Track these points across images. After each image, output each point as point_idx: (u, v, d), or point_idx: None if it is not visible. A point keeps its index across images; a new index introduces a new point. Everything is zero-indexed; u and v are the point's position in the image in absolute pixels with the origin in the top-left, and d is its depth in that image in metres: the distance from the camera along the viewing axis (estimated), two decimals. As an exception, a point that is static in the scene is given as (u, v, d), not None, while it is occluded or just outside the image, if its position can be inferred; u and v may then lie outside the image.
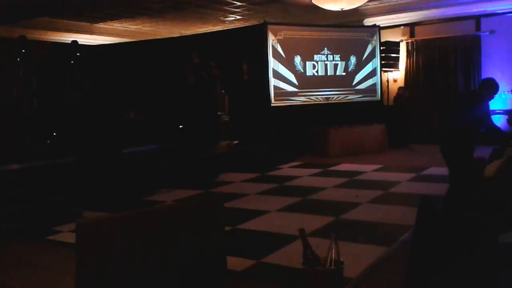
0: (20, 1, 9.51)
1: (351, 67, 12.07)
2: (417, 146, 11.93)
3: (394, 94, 12.77)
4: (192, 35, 12.97)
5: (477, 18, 11.90)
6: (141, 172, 7.89)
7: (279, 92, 11.27)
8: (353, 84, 12.13)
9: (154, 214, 2.56)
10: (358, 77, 12.15)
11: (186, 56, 11.72)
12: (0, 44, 11.37)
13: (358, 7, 10.80)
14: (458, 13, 11.77)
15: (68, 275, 4.06)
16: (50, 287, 4.01)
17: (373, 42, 12.28)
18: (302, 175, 8.72)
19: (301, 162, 10.25)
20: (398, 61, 12.81)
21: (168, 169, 8.28)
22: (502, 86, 11.56)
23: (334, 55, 11.89)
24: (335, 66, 11.93)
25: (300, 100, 11.56)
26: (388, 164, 9.57)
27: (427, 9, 11.93)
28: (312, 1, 10.16)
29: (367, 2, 10.58)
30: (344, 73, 12.01)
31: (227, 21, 13.08)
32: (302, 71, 11.59)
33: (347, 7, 10.19)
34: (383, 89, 12.75)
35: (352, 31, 12.35)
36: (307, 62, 11.62)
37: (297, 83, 11.50)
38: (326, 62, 11.85)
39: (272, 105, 11.16)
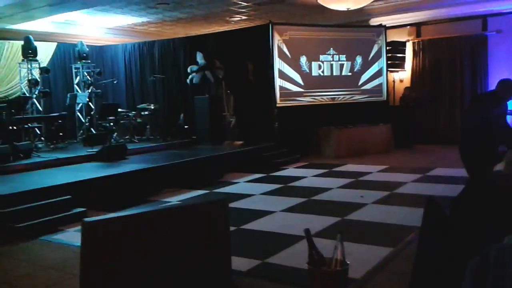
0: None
1: (357, 67, 12.03)
2: (423, 147, 11.88)
3: (400, 94, 12.73)
4: (198, 35, 12.97)
5: (483, 18, 11.84)
6: (146, 172, 7.88)
7: (285, 93, 11.26)
8: (359, 84, 12.10)
9: (159, 214, 2.56)
10: (364, 77, 12.12)
11: (192, 56, 11.75)
12: (7, 43, 11.43)
13: (364, 7, 10.76)
14: (464, 12, 11.71)
15: (73, 275, 4.07)
16: (55, 286, 4.02)
17: (379, 42, 12.25)
18: (307, 176, 8.70)
19: (306, 163, 10.23)
20: (404, 61, 12.77)
21: (173, 169, 8.27)
22: (509, 87, 11.50)
23: (340, 55, 11.86)
24: (341, 66, 11.90)
25: (305, 100, 11.54)
26: (393, 164, 9.54)
27: (433, 9, 11.87)
28: (318, 1, 10.13)
29: (373, 2, 10.54)
30: (350, 73, 11.98)
31: (232, 21, 13.08)
32: (308, 71, 11.57)
33: (353, 7, 10.16)
34: (389, 89, 12.71)
35: (358, 31, 12.32)
36: (312, 62, 11.60)
37: (302, 83, 11.48)
38: (332, 62, 11.82)
39: (277, 105, 11.14)
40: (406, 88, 12.67)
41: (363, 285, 3.65)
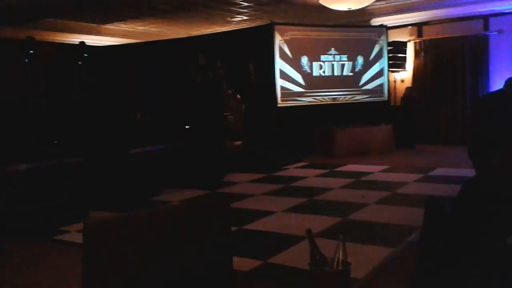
0: (27, 3, 9.56)
1: (358, 67, 12.03)
2: (425, 147, 11.86)
3: (402, 95, 12.72)
4: (199, 36, 12.98)
5: (485, 18, 11.82)
6: (147, 172, 7.90)
7: (286, 93, 11.25)
8: (360, 84, 12.10)
9: (161, 214, 2.56)
10: (365, 77, 12.12)
11: (193, 56, 11.75)
12: (8, 45, 11.44)
13: (365, 7, 10.75)
14: (466, 12, 11.71)
15: (74, 275, 4.07)
16: (57, 287, 4.02)
17: (381, 42, 12.24)
18: (309, 176, 8.70)
19: (308, 163, 10.23)
20: (406, 61, 12.76)
21: (174, 169, 8.29)
22: (511, 86, 11.48)
23: (341, 55, 11.86)
24: (342, 66, 11.90)
25: (306, 100, 11.53)
26: (395, 164, 9.53)
27: (435, 9, 11.87)
28: (319, 1, 10.13)
29: (375, 2, 10.54)
30: (351, 73, 11.98)
31: (233, 21, 13.08)
32: (309, 71, 11.57)
33: (354, 7, 10.16)
34: (390, 90, 12.70)
35: (359, 31, 12.31)
36: (313, 63, 11.60)
37: (303, 84, 11.48)
38: (333, 62, 11.82)
39: (278, 105, 11.14)
40: (407, 88, 12.66)
41: (366, 285, 3.65)
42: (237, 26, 13.31)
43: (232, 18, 12.71)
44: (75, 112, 11.96)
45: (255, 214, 5.98)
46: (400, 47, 12.61)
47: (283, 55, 11.20)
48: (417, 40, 12.80)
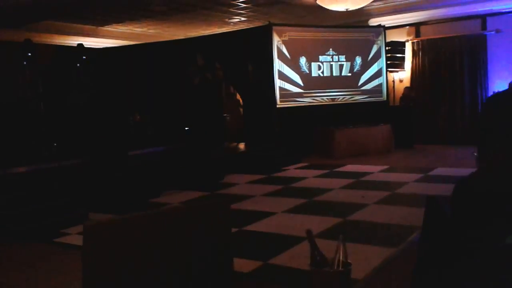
0: (25, 5, 9.56)
1: (356, 68, 12.04)
2: (424, 147, 11.87)
3: (400, 94, 12.72)
4: (197, 37, 12.98)
5: (483, 18, 11.84)
6: (147, 174, 7.90)
7: (285, 93, 11.26)
8: (359, 84, 12.10)
9: (161, 216, 2.56)
10: (364, 77, 12.12)
11: (191, 58, 11.75)
12: (6, 47, 11.44)
13: (363, 7, 10.76)
14: (463, 12, 11.72)
15: (75, 277, 4.07)
16: (57, 289, 4.02)
17: (379, 42, 12.25)
18: (308, 176, 8.70)
19: (307, 163, 10.23)
20: (404, 61, 12.77)
21: (174, 171, 8.29)
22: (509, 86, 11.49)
23: (340, 56, 11.87)
24: (341, 66, 11.91)
25: (305, 101, 11.53)
26: (394, 164, 9.54)
27: (433, 9, 11.89)
28: (317, 1, 10.14)
29: (372, 2, 10.55)
30: (349, 74, 11.98)
31: (231, 22, 13.09)
32: (308, 72, 11.57)
33: (352, 7, 10.16)
34: (389, 90, 12.71)
35: (357, 31, 12.32)
36: (312, 63, 11.60)
37: (302, 84, 11.48)
38: (331, 63, 11.83)
39: (277, 106, 11.14)
40: (406, 88, 12.67)
41: (366, 285, 3.64)
42: (235, 27, 13.31)
43: (230, 19, 12.71)
44: (74, 114, 11.95)
45: (255, 215, 5.98)
46: (398, 47, 12.62)
47: (282, 56, 11.20)
48: (415, 40, 12.81)
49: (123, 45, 13.85)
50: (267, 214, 6.02)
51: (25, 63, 11.03)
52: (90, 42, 13.10)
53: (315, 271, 2.76)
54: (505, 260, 1.59)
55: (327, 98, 11.78)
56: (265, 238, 5.15)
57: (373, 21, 12.58)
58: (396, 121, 11.67)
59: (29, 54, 10.87)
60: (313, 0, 10.33)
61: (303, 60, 11.48)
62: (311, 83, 11.58)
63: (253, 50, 11.27)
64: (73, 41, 12.70)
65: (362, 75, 12.10)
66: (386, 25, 12.42)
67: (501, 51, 11.60)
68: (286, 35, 11.29)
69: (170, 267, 2.42)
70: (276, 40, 11.14)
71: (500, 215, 1.67)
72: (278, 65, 11.16)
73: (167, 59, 12.73)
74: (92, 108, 12.25)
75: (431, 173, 8.43)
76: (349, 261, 2.78)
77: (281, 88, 11.21)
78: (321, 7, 10.34)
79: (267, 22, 11.28)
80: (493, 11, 11.52)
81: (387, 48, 12.39)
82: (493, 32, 11.72)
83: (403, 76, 13.05)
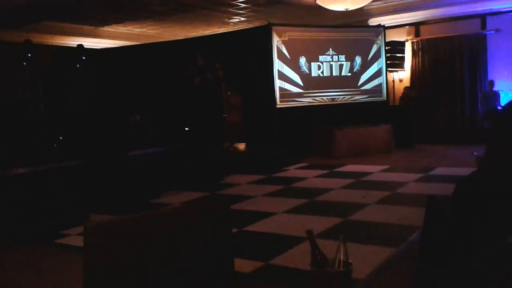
0: (25, 5, 9.55)
1: (356, 68, 12.03)
2: (424, 146, 11.87)
3: (400, 94, 12.73)
4: (197, 37, 12.98)
5: (482, 17, 11.84)
6: (147, 175, 7.89)
7: (285, 94, 11.26)
8: (359, 84, 12.10)
9: (162, 217, 2.56)
10: (364, 77, 12.12)
11: (191, 58, 11.74)
12: (6, 48, 11.44)
13: (362, 7, 10.76)
14: (463, 11, 11.72)
15: (75, 279, 4.06)
16: (58, 290, 4.01)
17: (378, 42, 12.25)
18: (309, 177, 8.69)
19: (307, 164, 10.22)
20: (404, 60, 12.78)
21: (174, 171, 8.28)
22: (508, 85, 11.51)
23: (339, 56, 11.87)
24: (340, 66, 11.91)
25: (305, 101, 11.54)
26: (394, 164, 9.54)
27: (432, 8, 11.89)
28: (317, 1, 10.14)
29: (372, 2, 10.55)
30: (349, 74, 11.98)
31: (231, 23, 13.09)
32: (307, 72, 11.57)
33: (351, 7, 10.16)
34: (389, 89, 12.71)
35: (357, 31, 12.32)
36: (312, 63, 11.60)
37: (302, 84, 11.48)
38: (331, 63, 11.83)
39: (277, 106, 11.14)
40: (406, 88, 12.67)
41: (367, 285, 3.64)
42: (235, 27, 13.31)
43: (229, 19, 12.71)
44: (74, 114, 11.95)
45: (255, 216, 5.98)
46: (398, 46, 12.63)
47: (281, 56, 11.20)
48: (415, 40, 12.82)
49: (123, 45, 13.85)
50: (267, 214, 6.02)
51: (24, 63, 11.04)
52: (90, 42, 13.10)
53: (316, 271, 2.76)
54: (506, 259, 1.59)
55: (327, 98, 11.78)
56: (265, 238, 5.15)
57: (373, 21, 12.58)
58: (396, 121, 11.67)
59: (29, 54, 10.87)
60: (313, 0, 10.33)
61: (303, 60, 11.48)
62: (311, 83, 11.58)
63: (252, 50, 11.27)
64: (73, 41, 12.70)
65: (362, 75, 12.10)
66: (385, 25, 12.42)
67: (500, 51, 11.60)
68: (285, 35, 11.29)
69: (171, 268, 2.41)
70: (276, 40, 11.14)
71: (501, 214, 1.67)
72: (278, 65, 11.17)
73: (167, 59, 12.74)
74: (92, 108, 12.25)
75: (431, 172, 8.43)
76: (349, 261, 2.77)
77: (281, 88, 11.21)
78: (321, 7, 10.34)
79: (267, 22, 11.28)
80: (493, 11, 11.53)
81: (387, 47, 12.40)
82: (492, 32, 11.72)
83: (403, 76, 13.05)
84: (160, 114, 12.35)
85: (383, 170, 8.94)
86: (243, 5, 11.18)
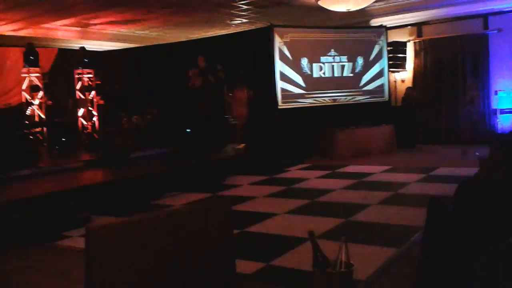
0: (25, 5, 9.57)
1: (358, 68, 12.03)
2: (426, 147, 11.85)
3: (402, 95, 12.71)
4: (199, 39, 12.99)
5: (484, 17, 11.82)
6: (149, 176, 7.90)
7: (286, 95, 11.25)
8: (361, 85, 12.09)
9: (163, 218, 2.56)
10: (366, 78, 12.11)
11: (193, 60, 11.75)
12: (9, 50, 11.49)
13: (364, 8, 10.76)
14: (465, 12, 11.70)
15: (77, 280, 4.07)
16: (60, 292, 4.02)
17: (380, 42, 12.24)
18: (310, 177, 8.69)
19: (309, 164, 10.22)
20: (406, 61, 12.76)
21: (176, 173, 8.28)
22: (511, 85, 11.48)
23: (341, 56, 11.86)
24: (342, 67, 11.90)
25: (307, 102, 11.53)
26: (396, 165, 9.52)
27: (434, 9, 11.87)
28: (318, 2, 10.13)
29: (374, 2, 10.54)
30: (351, 74, 11.98)
31: (233, 24, 13.09)
32: (309, 73, 11.57)
33: (353, 8, 10.16)
34: (391, 90, 12.70)
35: (358, 32, 12.31)
36: (314, 64, 11.60)
37: (304, 85, 11.47)
38: (333, 64, 11.82)
39: (279, 107, 11.14)
40: (408, 88, 12.65)
41: (369, 286, 3.64)
42: (237, 29, 13.32)
43: (231, 21, 12.71)
44: (76, 115, 11.98)
45: (257, 217, 5.98)
46: (400, 47, 12.61)
47: (283, 57, 11.20)
48: (417, 40, 12.80)
49: (125, 47, 13.86)
50: (269, 215, 6.02)
51: (27, 66, 11.08)
52: (92, 45, 13.13)
53: (318, 272, 2.76)
54: (507, 260, 1.59)
55: (328, 99, 11.77)
56: (267, 239, 5.15)
57: (375, 22, 12.58)
58: (398, 121, 11.65)
59: (31, 57, 10.90)
60: (315, 1, 10.33)
61: (304, 61, 11.47)
62: (312, 84, 11.58)
63: (255, 51, 11.27)
64: (75, 44, 12.73)
65: (363, 75, 12.09)
66: (387, 25, 12.41)
67: (503, 51, 11.58)
68: (287, 36, 11.29)
69: (172, 269, 2.42)
70: (278, 42, 11.14)
71: (503, 215, 1.67)
72: (280, 66, 11.16)
73: (169, 61, 12.75)
74: (95, 110, 12.28)
75: (433, 173, 8.42)
76: (351, 261, 2.78)
77: (282, 90, 11.20)
78: (323, 8, 10.34)
79: (269, 24, 11.28)
80: (495, 10, 11.51)
81: (388, 48, 12.39)
82: (495, 32, 11.70)
83: (405, 76, 13.03)
84: (162, 115, 12.35)
85: (385, 171, 8.93)
86: (245, 6, 11.18)
